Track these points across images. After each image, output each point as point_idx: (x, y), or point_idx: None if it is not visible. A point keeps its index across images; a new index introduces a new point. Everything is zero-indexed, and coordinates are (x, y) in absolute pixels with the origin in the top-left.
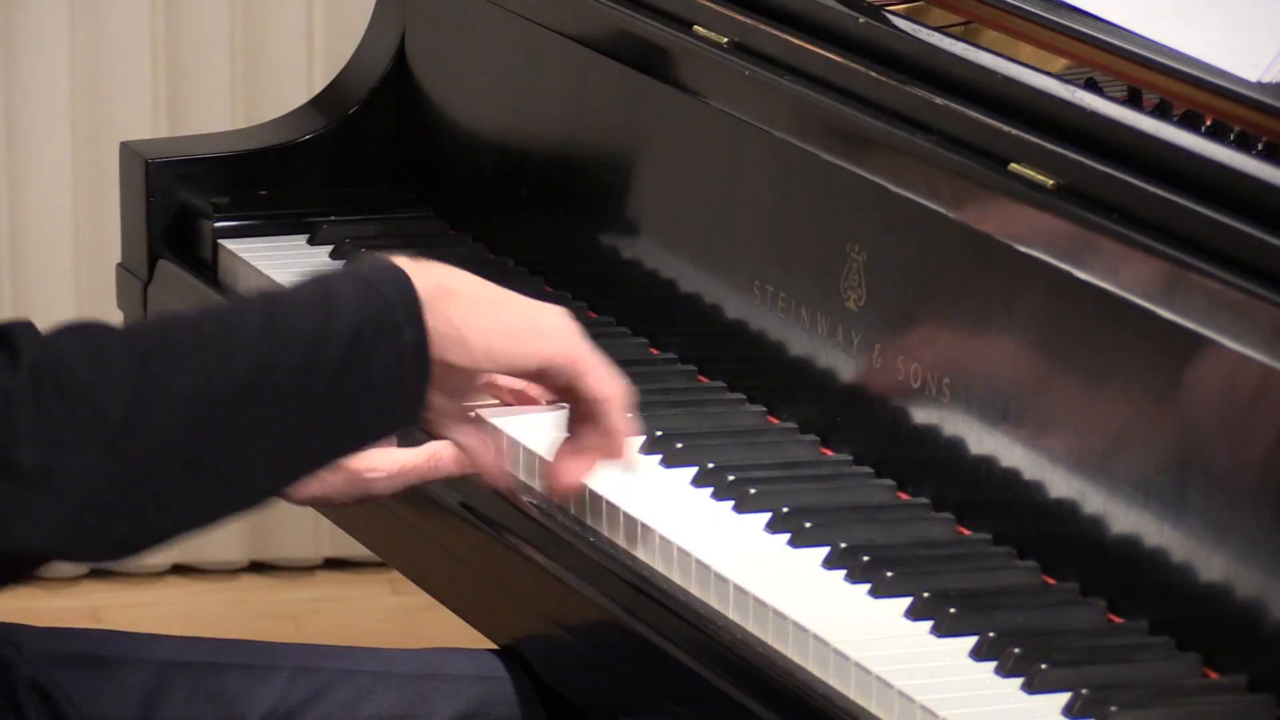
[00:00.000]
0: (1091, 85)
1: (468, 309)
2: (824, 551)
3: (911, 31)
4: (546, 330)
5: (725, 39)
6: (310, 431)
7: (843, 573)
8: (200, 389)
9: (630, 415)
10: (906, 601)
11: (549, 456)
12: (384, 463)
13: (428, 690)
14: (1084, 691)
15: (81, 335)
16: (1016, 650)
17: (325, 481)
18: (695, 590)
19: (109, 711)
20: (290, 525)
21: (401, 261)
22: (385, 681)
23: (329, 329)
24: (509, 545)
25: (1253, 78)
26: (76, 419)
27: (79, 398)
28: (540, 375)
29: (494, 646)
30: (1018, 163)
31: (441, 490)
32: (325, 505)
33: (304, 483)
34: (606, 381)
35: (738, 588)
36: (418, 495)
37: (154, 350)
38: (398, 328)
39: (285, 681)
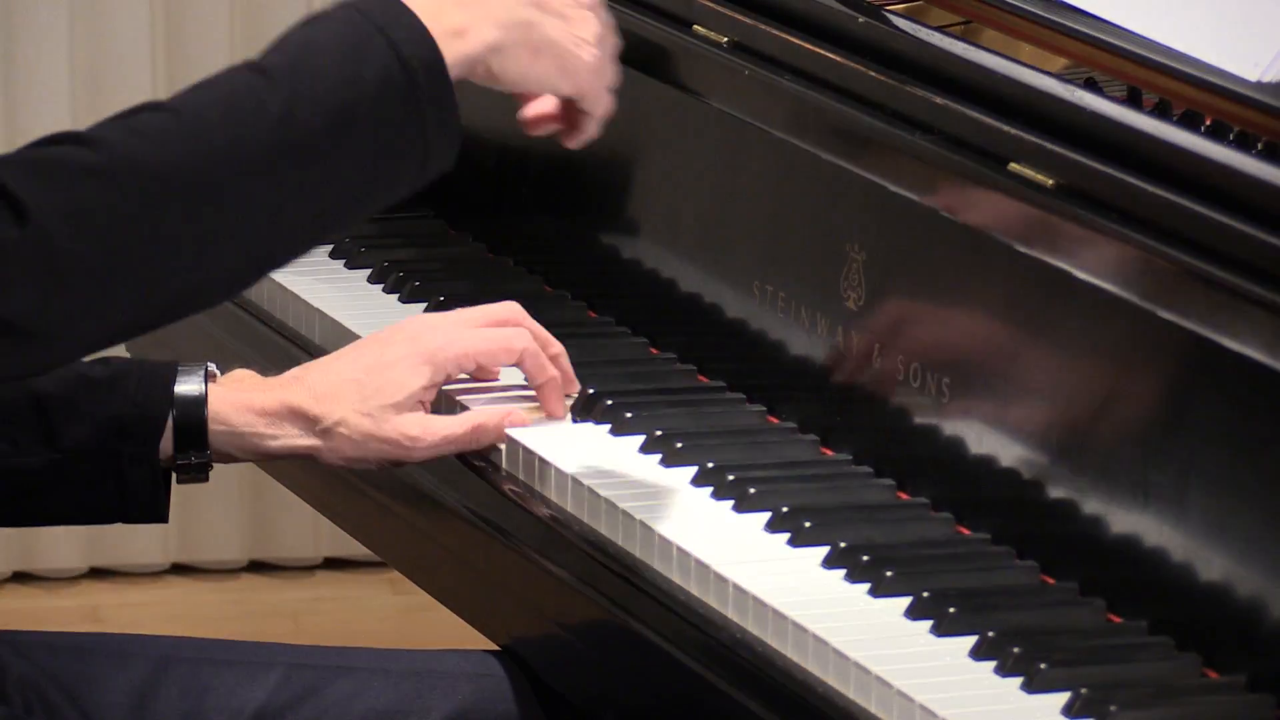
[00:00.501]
0: (1091, 85)
1: (509, 61)
2: (824, 551)
3: (911, 31)
4: (572, 70)
5: (725, 39)
6: (327, 198)
7: (843, 572)
8: (202, 192)
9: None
10: (906, 601)
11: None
12: (424, 431)
13: (424, 687)
14: (1083, 691)
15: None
16: (1016, 650)
17: (363, 445)
18: (695, 590)
19: (103, 705)
20: (290, 525)
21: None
22: (381, 678)
23: (350, 116)
24: (508, 545)
25: (1252, 77)
26: (67, 167)
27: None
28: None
29: (493, 647)
30: (1017, 162)
31: (441, 490)
32: (359, 466)
33: (335, 448)
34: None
35: (737, 587)
36: (418, 495)
37: (153, 169)
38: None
39: (280, 677)
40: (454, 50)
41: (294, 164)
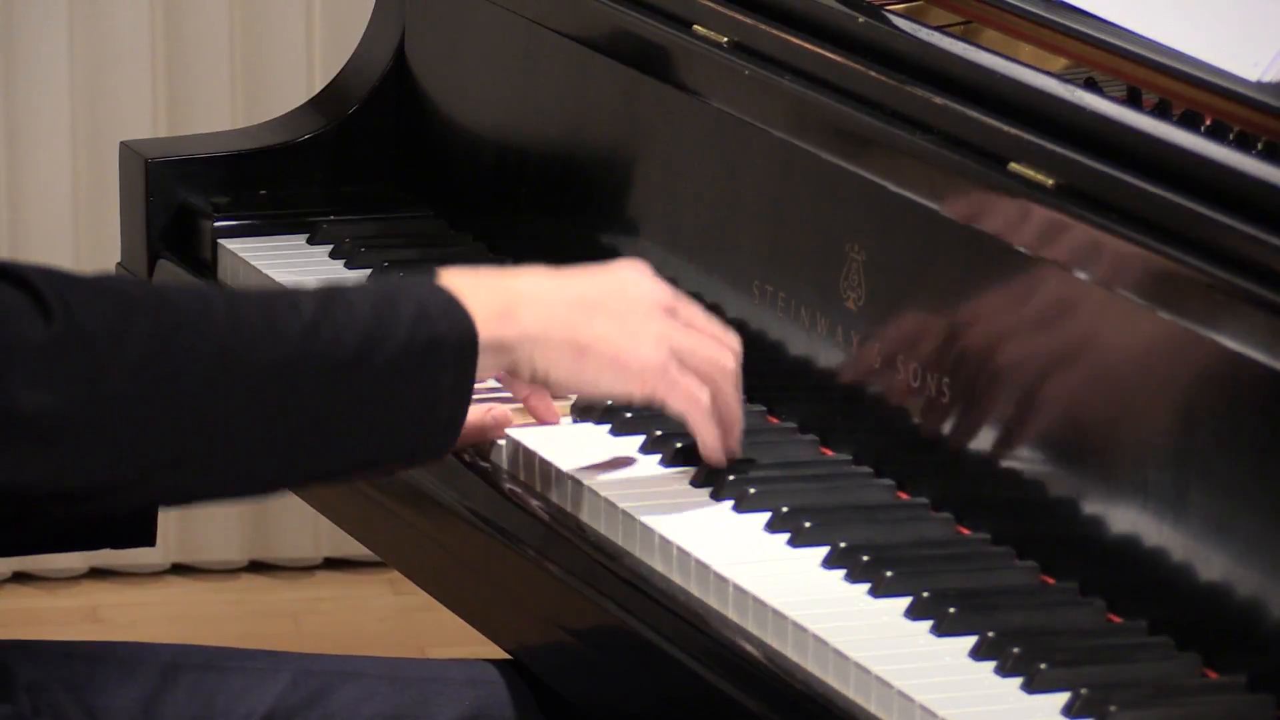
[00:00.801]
0: (1091, 85)
1: (553, 355)
2: (824, 551)
3: (911, 31)
4: (633, 370)
5: (725, 39)
6: (329, 427)
7: (842, 572)
8: (224, 359)
9: (714, 420)
10: (906, 601)
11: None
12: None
13: (430, 692)
14: (1083, 691)
15: (111, 288)
16: (1016, 650)
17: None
18: (695, 590)
19: (112, 709)
20: (290, 525)
21: (472, 295)
22: (387, 684)
23: (374, 344)
24: (508, 545)
25: (1252, 77)
26: (94, 370)
27: (102, 348)
28: None
29: (498, 655)
30: (1017, 162)
31: (441, 490)
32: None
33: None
34: (685, 403)
35: (737, 588)
36: (418, 495)
37: (186, 316)
38: (442, 366)
39: (287, 682)
40: (488, 331)
41: (310, 378)
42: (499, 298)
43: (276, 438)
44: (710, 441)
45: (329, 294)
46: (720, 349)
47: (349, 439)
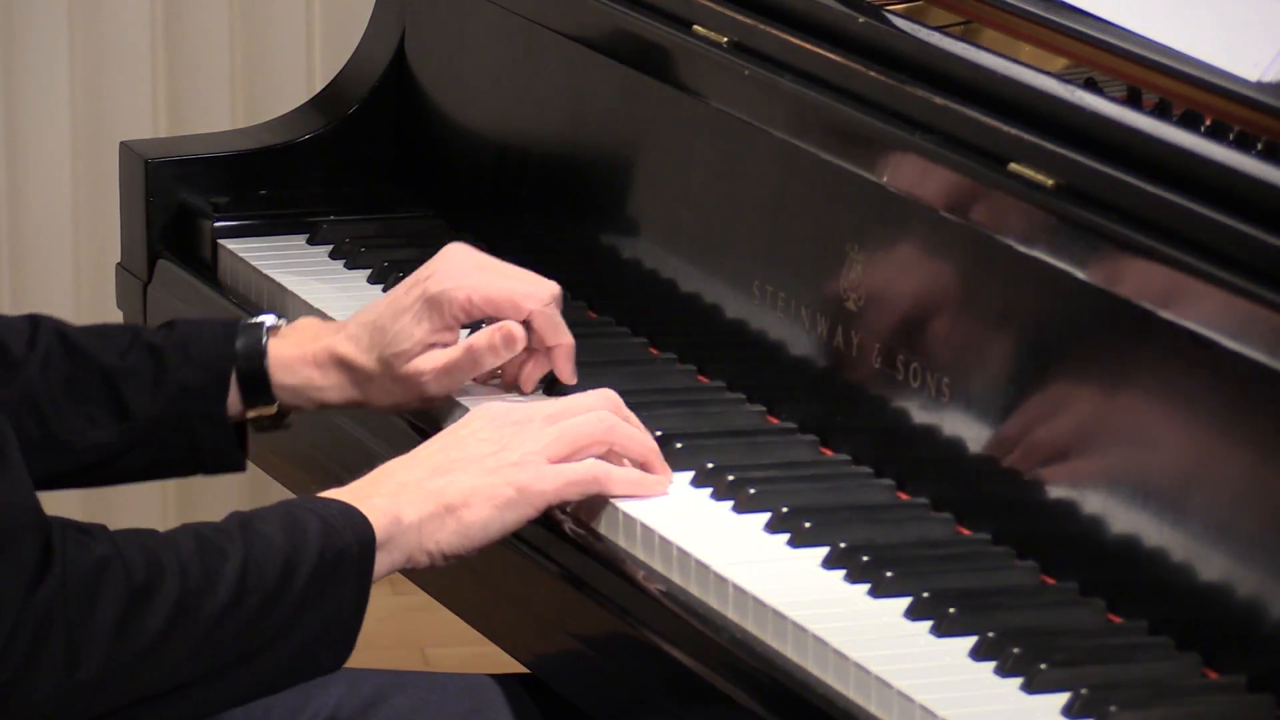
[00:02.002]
0: (1091, 85)
1: (436, 532)
2: (824, 551)
3: (911, 31)
4: (515, 500)
5: (725, 39)
6: (260, 656)
7: (842, 573)
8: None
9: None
10: (906, 601)
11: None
12: (429, 366)
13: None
14: (1083, 691)
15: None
16: (1016, 650)
17: (392, 391)
18: (695, 590)
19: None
20: None
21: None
22: (438, 695)
23: (293, 568)
24: (508, 545)
25: (1252, 77)
26: (56, 657)
27: (75, 637)
28: None
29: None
30: (1017, 162)
31: None
32: (405, 410)
33: (376, 395)
34: (587, 486)
35: (737, 588)
36: None
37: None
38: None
39: (344, 689)
40: (381, 529)
41: (246, 615)
42: (384, 501)
43: (214, 673)
44: (635, 490)
45: (245, 529)
46: (589, 413)
47: (269, 663)
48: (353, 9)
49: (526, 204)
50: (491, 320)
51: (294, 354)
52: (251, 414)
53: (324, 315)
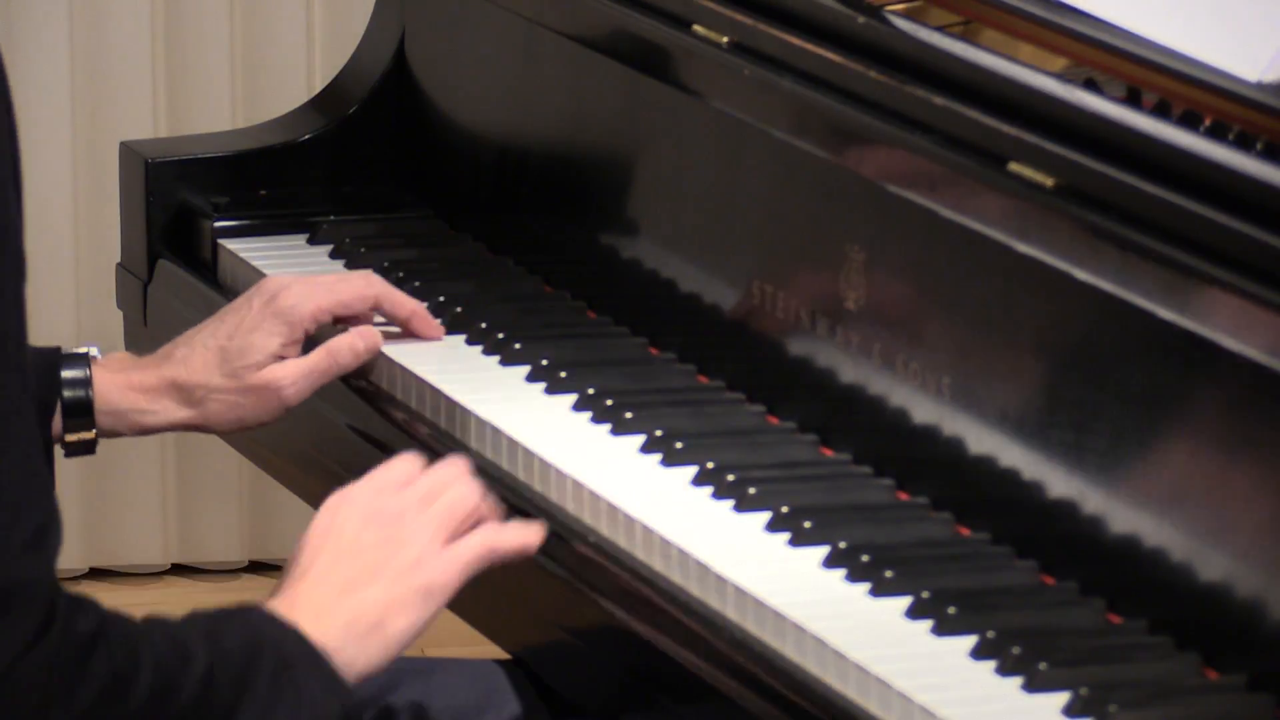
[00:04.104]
0: (1091, 85)
1: (361, 651)
2: (824, 551)
3: (911, 31)
4: (428, 595)
5: (725, 39)
6: None
7: (843, 572)
8: None
9: None
10: (906, 601)
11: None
12: (287, 372)
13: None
14: (1083, 691)
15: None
16: (1016, 650)
17: (239, 405)
18: (695, 590)
19: None
20: (290, 524)
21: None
22: (455, 679)
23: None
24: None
25: (1252, 78)
26: None
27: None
28: None
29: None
30: (1017, 162)
31: None
32: (248, 429)
33: (216, 413)
34: (486, 556)
35: (737, 588)
36: None
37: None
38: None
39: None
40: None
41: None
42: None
43: None
44: (524, 540)
45: (213, 660)
46: (454, 486)
47: None
48: (353, 9)
49: (526, 204)
50: (336, 324)
51: (118, 382)
52: (70, 439)
53: None
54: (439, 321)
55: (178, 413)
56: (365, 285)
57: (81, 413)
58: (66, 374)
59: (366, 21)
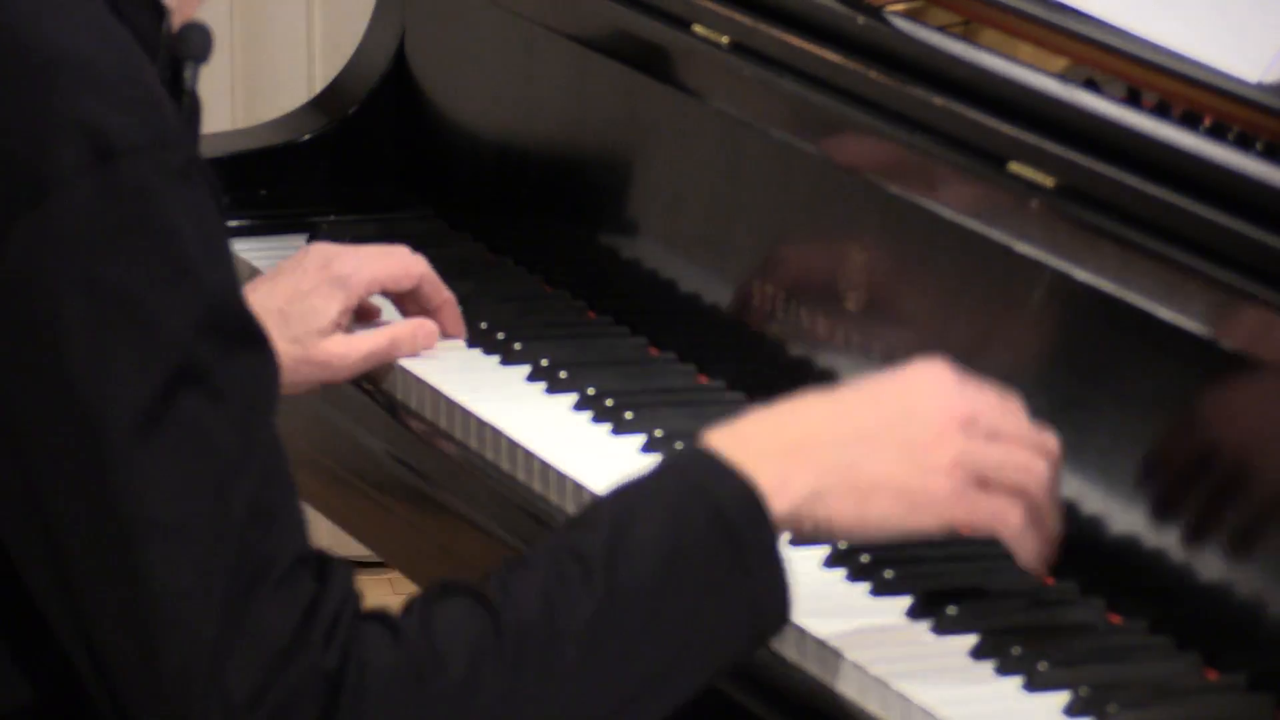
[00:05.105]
0: (1091, 85)
1: (835, 504)
2: (824, 551)
3: (911, 31)
4: (924, 505)
5: (725, 39)
6: (668, 654)
7: (843, 572)
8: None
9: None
10: (907, 601)
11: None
12: (350, 350)
13: None
14: (1083, 691)
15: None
16: (1016, 650)
17: (295, 371)
18: None
19: None
20: None
21: (756, 466)
22: None
23: (679, 573)
24: (508, 545)
25: (1252, 78)
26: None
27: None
28: None
29: None
30: (1017, 162)
31: (441, 490)
32: (290, 393)
33: None
34: (993, 526)
35: None
36: (418, 495)
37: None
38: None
39: None
40: (776, 507)
41: (618, 650)
42: (778, 462)
43: (607, 698)
44: (1027, 558)
45: (610, 556)
46: (1030, 456)
47: (680, 667)
48: (353, 9)
49: (527, 204)
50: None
51: None
52: None
53: None
54: (459, 323)
55: None
56: (413, 262)
57: None
58: None
59: (366, 21)
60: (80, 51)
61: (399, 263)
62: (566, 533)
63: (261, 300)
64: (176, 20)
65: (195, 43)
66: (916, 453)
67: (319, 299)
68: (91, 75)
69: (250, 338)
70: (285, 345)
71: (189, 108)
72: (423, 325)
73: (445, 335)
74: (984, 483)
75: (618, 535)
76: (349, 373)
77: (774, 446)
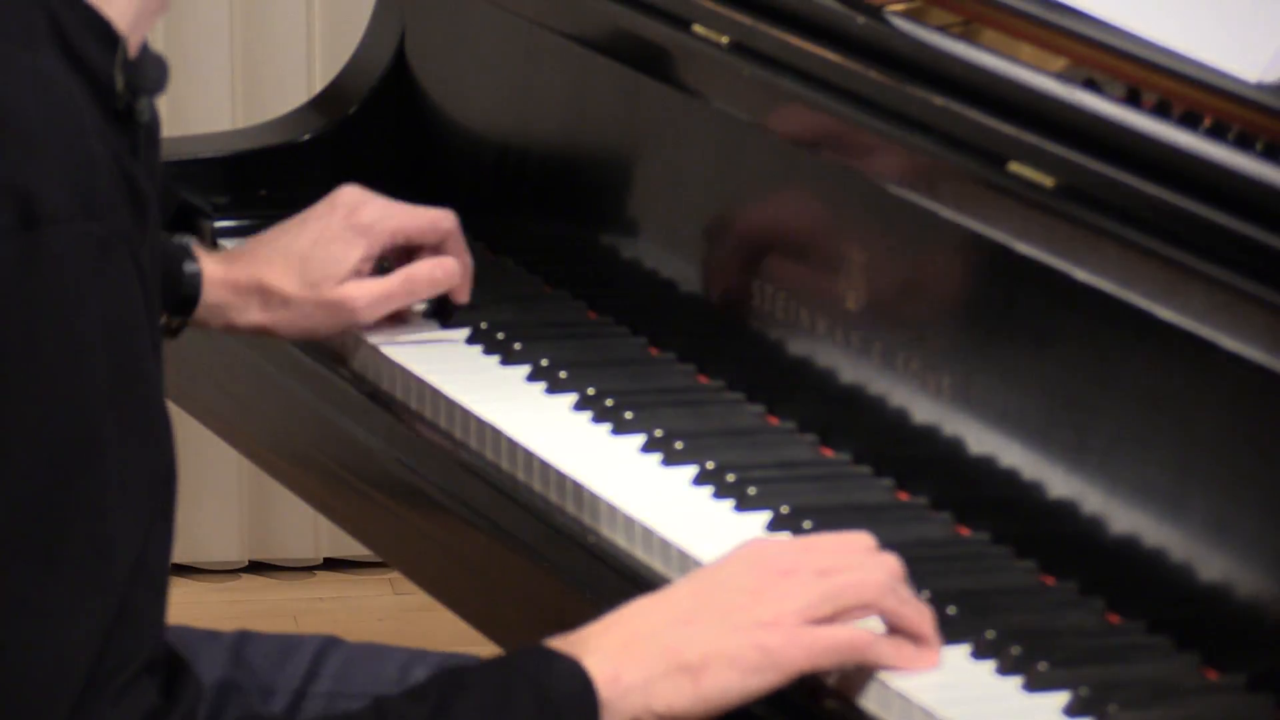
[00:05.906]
0: (1091, 85)
1: (667, 693)
2: None
3: (911, 31)
4: (758, 663)
5: (725, 39)
6: None
7: None
8: None
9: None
10: None
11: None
12: (364, 292)
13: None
14: (1083, 691)
15: None
16: (1016, 650)
17: (310, 316)
18: None
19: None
20: (290, 525)
21: (592, 659)
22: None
23: None
24: (509, 545)
25: (1251, 78)
26: None
27: None
28: None
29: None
30: (1017, 162)
31: (441, 490)
32: (310, 338)
33: (289, 320)
34: (845, 655)
35: None
36: (418, 495)
37: None
38: None
39: (312, 655)
40: (609, 699)
41: None
42: (609, 657)
43: None
44: (904, 665)
45: (442, 705)
46: (862, 574)
47: None
48: (353, 9)
49: (527, 204)
50: (404, 251)
51: (218, 274)
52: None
53: None
54: (468, 288)
55: (258, 315)
56: (442, 218)
57: (189, 304)
58: (188, 268)
59: (366, 21)
60: (19, 111)
61: (427, 216)
62: (395, 700)
63: (286, 244)
64: (133, 45)
65: (150, 76)
66: (734, 616)
67: (340, 246)
68: (27, 137)
69: (148, 424)
70: (299, 289)
71: (144, 138)
72: (441, 264)
73: (455, 300)
74: (829, 618)
75: (442, 710)
76: (368, 316)
77: (605, 644)
